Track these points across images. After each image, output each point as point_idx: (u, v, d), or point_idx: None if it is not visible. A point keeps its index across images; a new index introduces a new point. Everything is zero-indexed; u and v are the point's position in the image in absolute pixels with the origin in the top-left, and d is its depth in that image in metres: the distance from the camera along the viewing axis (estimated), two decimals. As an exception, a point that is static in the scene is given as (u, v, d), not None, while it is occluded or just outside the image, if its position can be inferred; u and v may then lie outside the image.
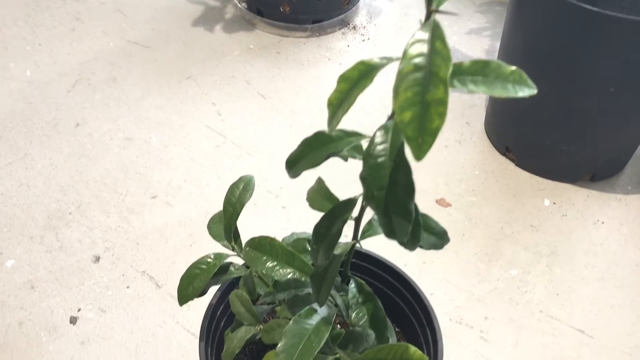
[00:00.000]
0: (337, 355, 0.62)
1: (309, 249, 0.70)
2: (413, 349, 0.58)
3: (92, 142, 1.42)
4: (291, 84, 1.63)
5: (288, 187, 1.33)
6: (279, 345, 0.58)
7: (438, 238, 0.60)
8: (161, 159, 1.39)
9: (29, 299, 1.11)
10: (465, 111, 1.57)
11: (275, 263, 0.65)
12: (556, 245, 1.25)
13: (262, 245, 0.67)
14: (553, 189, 1.37)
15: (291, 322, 0.59)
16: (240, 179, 0.73)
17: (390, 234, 0.49)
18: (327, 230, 0.56)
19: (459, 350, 1.06)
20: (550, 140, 1.34)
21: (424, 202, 1.33)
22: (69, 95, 1.54)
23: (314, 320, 0.60)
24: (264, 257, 0.66)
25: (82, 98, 1.53)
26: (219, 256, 0.71)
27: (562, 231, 1.28)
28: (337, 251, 0.61)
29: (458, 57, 1.72)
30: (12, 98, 1.52)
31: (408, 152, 0.46)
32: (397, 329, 0.82)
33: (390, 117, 0.49)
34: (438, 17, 0.42)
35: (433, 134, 0.39)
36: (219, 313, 0.81)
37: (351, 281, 0.68)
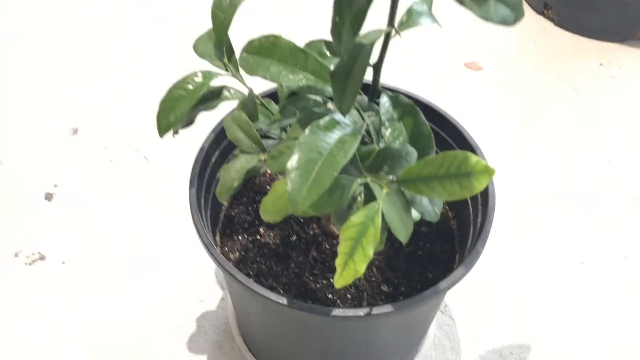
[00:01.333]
0: (367, 179, 0.46)
1: (328, 54, 0.53)
2: (475, 158, 0.42)
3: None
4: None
5: None
6: (290, 161, 0.42)
7: (510, 9, 0.42)
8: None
9: (-2, 175, 0.96)
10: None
11: (282, 67, 0.49)
12: (603, 110, 1.08)
13: (264, 47, 0.50)
14: (599, 49, 1.18)
15: (306, 131, 0.43)
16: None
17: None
18: (354, -8, 0.39)
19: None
20: (598, -10, 1.15)
21: (452, 65, 1.15)
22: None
23: (336, 133, 0.44)
24: (267, 61, 0.49)
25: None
26: (208, 75, 0.55)
27: (609, 94, 1.11)
28: (366, 40, 0.44)
29: None
30: None
31: None
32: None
33: None
34: None
35: None
36: (213, 160, 0.65)
37: (382, 95, 0.51)
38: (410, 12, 0.49)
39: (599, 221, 0.91)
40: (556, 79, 1.13)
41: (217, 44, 0.57)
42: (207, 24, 0.55)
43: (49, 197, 0.93)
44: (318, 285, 0.64)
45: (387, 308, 0.52)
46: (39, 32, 1.18)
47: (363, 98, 0.53)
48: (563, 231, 0.90)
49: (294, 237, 0.68)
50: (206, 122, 0.64)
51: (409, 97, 0.55)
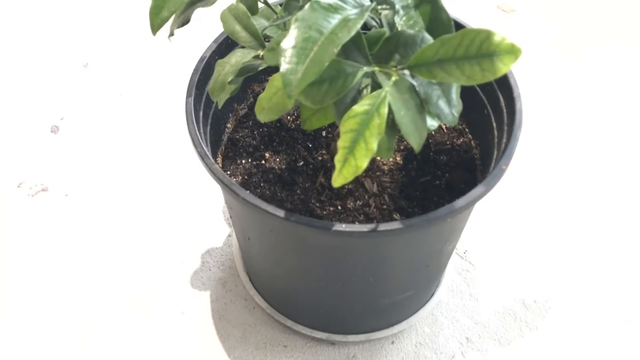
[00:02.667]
0: (375, 69, 0.40)
1: None
2: (499, 36, 0.36)
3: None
4: None
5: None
6: (286, 39, 0.37)
7: None
8: None
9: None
10: None
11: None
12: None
13: None
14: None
15: (306, 7, 0.38)
16: None
17: None
18: None
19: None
20: None
21: (483, 6, 1.08)
22: None
23: (340, 13, 0.39)
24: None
25: None
26: (206, -35, 0.49)
27: (655, 40, 1.02)
28: None
29: None
30: None
31: None
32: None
33: None
34: None
35: None
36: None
37: (398, -15, 0.45)
38: None
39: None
40: (595, 24, 1.05)
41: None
42: None
43: (54, 129, 0.90)
44: (325, 213, 0.59)
45: (394, 225, 0.46)
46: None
47: (377, -9, 0.47)
48: (593, 171, 0.83)
49: (301, 163, 0.63)
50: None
51: None
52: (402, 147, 0.64)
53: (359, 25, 0.37)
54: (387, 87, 0.38)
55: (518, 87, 0.57)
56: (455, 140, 0.65)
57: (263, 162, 0.63)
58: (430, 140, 0.65)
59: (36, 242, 0.77)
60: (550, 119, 0.90)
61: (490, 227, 0.78)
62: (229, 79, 0.45)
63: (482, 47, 0.36)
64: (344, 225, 0.46)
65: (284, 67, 0.37)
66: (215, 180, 0.50)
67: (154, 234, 0.78)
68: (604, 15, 1.06)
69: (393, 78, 0.39)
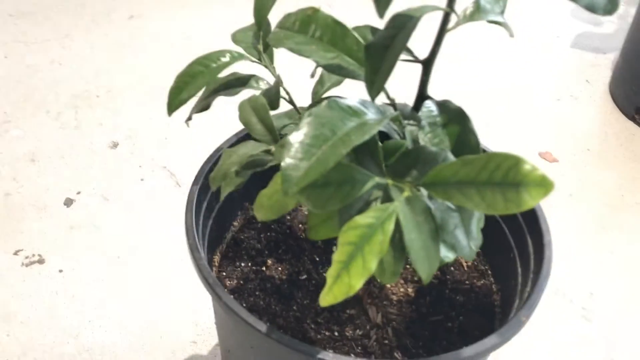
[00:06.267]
0: (389, 182, 0.36)
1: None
2: (529, 165, 0.32)
3: (143, 35, 1.23)
4: None
5: None
6: (295, 133, 0.34)
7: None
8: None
9: (25, 172, 0.91)
10: (585, 69, 1.28)
11: (315, 44, 0.41)
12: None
13: (300, 21, 0.43)
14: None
15: (323, 105, 0.35)
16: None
17: None
18: None
19: (557, 324, 0.78)
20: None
21: (525, 152, 1.05)
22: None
23: (358, 116, 0.36)
24: (299, 36, 0.42)
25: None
26: (237, 55, 0.48)
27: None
28: (417, 12, 0.36)
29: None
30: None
31: None
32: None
33: None
34: None
35: None
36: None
37: (427, 101, 0.42)
38: (478, 4, 0.41)
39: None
40: (638, 187, 1.00)
41: (255, 31, 0.51)
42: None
43: (68, 202, 0.87)
44: (318, 337, 0.52)
45: (389, 364, 0.40)
46: (108, 52, 1.18)
47: (406, 105, 0.45)
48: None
49: (304, 276, 0.58)
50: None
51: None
52: (415, 278, 0.58)
53: (375, 131, 0.34)
54: (398, 202, 0.34)
55: (550, 233, 0.52)
56: (475, 281, 0.59)
57: (264, 268, 0.58)
58: (448, 277, 0.59)
59: (20, 317, 0.72)
60: (581, 293, 0.83)
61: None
62: (233, 169, 0.41)
63: (509, 174, 0.32)
64: (331, 355, 0.40)
65: (286, 161, 0.33)
66: (200, 278, 0.45)
67: (142, 327, 0.72)
68: (650, 180, 1.02)
69: (405, 194, 0.35)
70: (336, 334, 0.53)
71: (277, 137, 0.43)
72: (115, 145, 0.97)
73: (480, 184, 0.32)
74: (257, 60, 0.49)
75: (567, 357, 0.75)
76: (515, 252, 0.55)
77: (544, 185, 0.31)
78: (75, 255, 0.80)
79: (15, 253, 0.80)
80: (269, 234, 0.61)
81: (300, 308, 0.54)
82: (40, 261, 0.79)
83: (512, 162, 0.32)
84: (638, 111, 1.14)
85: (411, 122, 0.43)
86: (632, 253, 0.89)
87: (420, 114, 0.41)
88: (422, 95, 0.43)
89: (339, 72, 0.40)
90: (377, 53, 0.36)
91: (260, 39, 0.50)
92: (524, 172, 0.31)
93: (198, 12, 1.30)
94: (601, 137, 1.10)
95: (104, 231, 0.84)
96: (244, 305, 0.54)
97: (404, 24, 0.36)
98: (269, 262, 0.59)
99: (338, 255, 0.33)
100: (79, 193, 0.89)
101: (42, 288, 0.76)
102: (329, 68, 0.40)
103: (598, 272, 0.86)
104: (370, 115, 0.36)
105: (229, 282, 0.57)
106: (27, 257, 0.79)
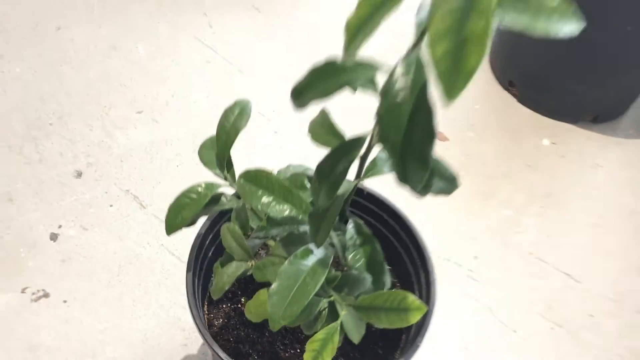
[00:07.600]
0: (332, 298, 0.59)
1: (308, 185, 0.66)
2: (412, 297, 0.55)
3: (74, 49, 1.33)
4: (289, -1, 1.53)
5: (281, 111, 1.27)
6: (272, 286, 0.55)
7: (447, 183, 0.56)
8: (148, 72, 1.32)
9: (7, 213, 1.06)
10: (469, 40, 1.49)
11: (271, 198, 0.61)
12: (552, 187, 1.22)
13: (259, 178, 0.62)
14: (553, 129, 1.33)
15: (286, 262, 0.56)
16: (236, 103, 0.67)
17: (403, 179, 0.45)
18: (331, 170, 0.51)
19: (447, 289, 1.06)
20: (557, 76, 1.29)
21: (421, 134, 1.28)
22: (50, -5, 1.43)
23: (310, 261, 0.57)
24: (260, 192, 0.62)
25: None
26: (210, 186, 0.67)
27: (559, 173, 1.25)
28: (340, 191, 0.57)
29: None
30: (-12, -5, 1.41)
31: (432, 91, 0.41)
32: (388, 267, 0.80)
33: (413, 48, 0.43)
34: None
35: (468, 74, 0.34)
36: (207, 242, 0.77)
37: (350, 221, 0.64)
38: (375, 162, 0.62)
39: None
40: (512, 155, 1.27)
41: (219, 157, 0.69)
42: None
43: (53, 237, 1.04)
44: (287, 355, 0.77)
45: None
46: (47, 74, 1.28)
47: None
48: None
49: (270, 308, 0.81)
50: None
51: (365, 220, 0.68)
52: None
53: (323, 279, 0.56)
54: (340, 319, 0.57)
55: (433, 272, 0.77)
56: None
57: (239, 305, 0.81)
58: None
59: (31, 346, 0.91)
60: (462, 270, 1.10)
61: None
62: (227, 287, 0.63)
63: (401, 304, 0.55)
64: (303, 389, 0.65)
65: (270, 309, 0.55)
66: (207, 345, 0.67)
67: (139, 340, 0.94)
68: (521, 154, 1.28)
69: (343, 312, 0.57)
70: (298, 350, 0.77)
71: (251, 255, 0.64)
72: (79, 174, 1.13)
73: (386, 309, 0.55)
74: (225, 183, 0.68)
75: (460, 312, 1.03)
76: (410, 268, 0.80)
77: (421, 309, 0.54)
78: (73, 285, 0.99)
79: (23, 291, 0.98)
80: (241, 279, 0.83)
81: (271, 335, 0.78)
82: (46, 295, 0.97)
83: (402, 296, 0.55)
84: (511, 83, 1.38)
85: (339, 232, 0.65)
86: (505, 217, 1.17)
87: (346, 236, 0.62)
88: (343, 216, 0.64)
89: (292, 222, 0.61)
90: (316, 221, 0.57)
91: (224, 166, 0.68)
92: (409, 302, 0.55)
93: (120, 19, 1.40)
94: (482, 111, 1.35)
95: (92, 260, 1.02)
96: (231, 339, 0.77)
97: (334, 201, 0.56)
98: (243, 300, 0.81)
99: (307, 357, 0.56)
100: (60, 227, 1.06)
101: (53, 318, 0.95)
102: (284, 221, 0.61)
103: (480, 238, 1.13)
104: (318, 256, 0.58)
105: (216, 322, 0.79)
106: (33, 294, 0.97)
